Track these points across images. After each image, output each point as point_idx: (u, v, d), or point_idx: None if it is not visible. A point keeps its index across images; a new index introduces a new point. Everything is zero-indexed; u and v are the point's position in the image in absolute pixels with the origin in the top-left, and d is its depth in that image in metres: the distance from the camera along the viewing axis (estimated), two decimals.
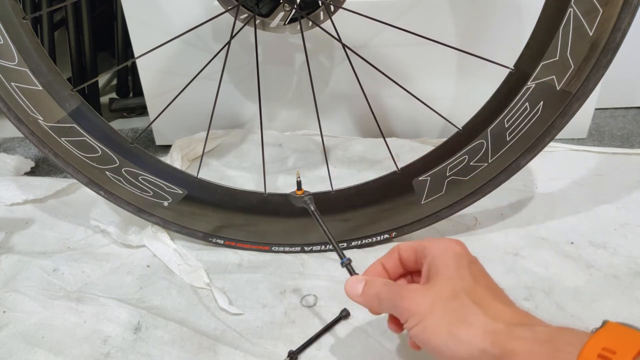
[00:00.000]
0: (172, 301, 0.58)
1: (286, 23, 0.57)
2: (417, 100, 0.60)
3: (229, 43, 0.58)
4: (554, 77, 0.52)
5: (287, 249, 0.64)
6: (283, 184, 0.77)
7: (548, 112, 0.54)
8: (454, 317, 0.37)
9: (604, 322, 0.33)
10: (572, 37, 0.50)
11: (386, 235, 0.63)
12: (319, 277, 0.60)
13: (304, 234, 0.64)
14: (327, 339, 0.52)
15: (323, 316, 0.55)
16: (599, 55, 0.50)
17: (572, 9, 0.49)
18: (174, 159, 0.79)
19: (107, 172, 0.61)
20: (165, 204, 0.63)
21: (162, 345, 0.52)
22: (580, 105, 0.53)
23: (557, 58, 0.51)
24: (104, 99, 1.06)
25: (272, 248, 0.64)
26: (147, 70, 0.85)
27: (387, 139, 0.64)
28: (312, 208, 0.54)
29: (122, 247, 0.66)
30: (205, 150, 0.76)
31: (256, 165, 0.81)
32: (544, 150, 0.56)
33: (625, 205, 0.68)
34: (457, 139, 0.58)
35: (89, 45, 1.00)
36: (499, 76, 0.56)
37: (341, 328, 0.53)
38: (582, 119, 0.85)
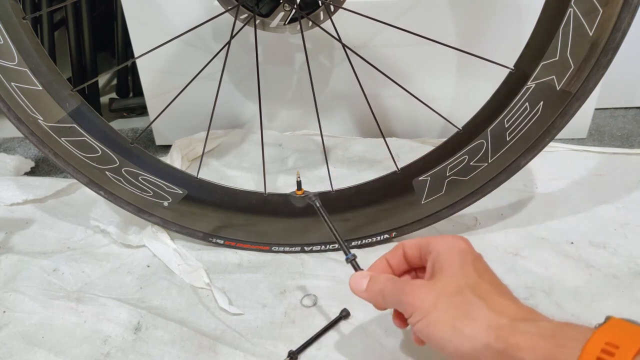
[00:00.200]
0: (172, 301, 0.58)
1: (286, 23, 0.57)
2: (417, 100, 0.60)
3: (229, 43, 0.58)
4: (554, 77, 0.52)
5: (287, 249, 0.64)
6: (283, 184, 0.77)
7: (548, 112, 0.54)
8: (458, 312, 0.37)
9: (607, 318, 0.33)
10: (572, 37, 0.50)
11: (386, 235, 0.63)
12: (319, 277, 0.60)
13: (304, 234, 0.64)
14: (327, 339, 0.52)
15: (323, 316, 0.55)
16: (599, 55, 0.50)
17: (572, 9, 0.49)
18: (174, 159, 0.79)
19: (107, 172, 0.61)
20: (165, 204, 0.63)
21: (162, 345, 0.52)
22: (580, 105, 0.53)
23: (557, 58, 0.51)
24: (104, 99, 1.06)
25: (272, 248, 0.64)
26: (147, 70, 0.85)
27: (387, 139, 0.64)
28: (318, 204, 0.54)
29: (122, 247, 0.66)
30: (205, 150, 0.76)
31: (256, 165, 0.81)
32: (544, 150, 0.56)
33: (625, 205, 0.68)
34: (457, 139, 0.58)
35: (89, 45, 1.00)
36: (499, 76, 0.56)
37: (341, 328, 0.53)
38: (582, 119, 0.85)
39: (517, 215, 0.67)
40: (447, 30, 0.78)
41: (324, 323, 0.53)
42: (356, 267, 0.48)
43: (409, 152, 0.81)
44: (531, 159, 0.56)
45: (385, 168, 0.71)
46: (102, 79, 1.17)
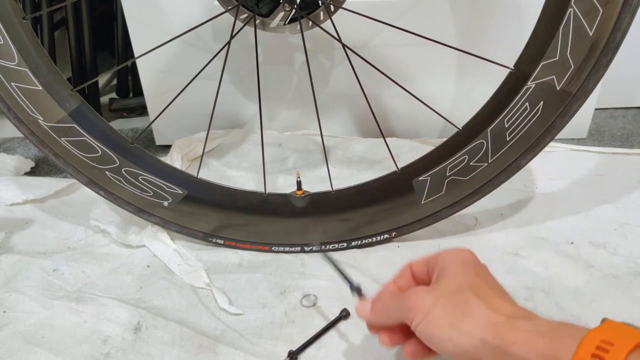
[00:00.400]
0: (172, 301, 0.58)
1: (286, 23, 0.57)
2: (417, 100, 0.60)
3: (229, 43, 0.58)
4: (554, 77, 0.52)
5: (287, 249, 0.64)
6: (283, 184, 0.77)
7: (548, 112, 0.54)
8: (457, 311, 0.38)
9: (603, 320, 0.34)
10: (572, 37, 0.50)
11: (386, 235, 0.63)
12: (319, 277, 0.60)
13: (304, 234, 0.64)
14: (327, 339, 0.52)
15: (323, 316, 0.55)
16: (599, 55, 0.50)
17: (572, 9, 0.49)
18: (174, 159, 0.79)
19: (107, 172, 0.61)
20: (165, 204, 0.63)
21: (162, 345, 0.52)
22: (580, 105, 0.53)
23: (557, 58, 0.51)
24: (104, 99, 1.06)
25: (272, 248, 0.64)
26: (147, 70, 0.85)
27: (387, 139, 0.64)
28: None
29: (122, 247, 0.66)
30: (205, 150, 0.76)
31: (256, 165, 0.81)
32: (544, 150, 0.56)
33: (625, 205, 0.68)
34: (457, 139, 0.58)
35: (89, 45, 1.00)
36: (499, 76, 0.56)
37: (341, 328, 0.53)
38: (582, 119, 0.85)
39: (517, 215, 0.67)
40: (447, 30, 0.78)
41: (324, 323, 0.53)
42: (360, 296, 0.47)
43: (409, 152, 0.81)
44: (531, 159, 0.56)
45: (385, 168, 0.71)
46: (102, 79, 1.17)
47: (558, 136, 0.55)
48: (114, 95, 1.07)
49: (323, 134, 0.63)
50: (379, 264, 0.61)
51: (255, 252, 0.64)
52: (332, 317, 0.54)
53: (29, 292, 0.58)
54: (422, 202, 0.61)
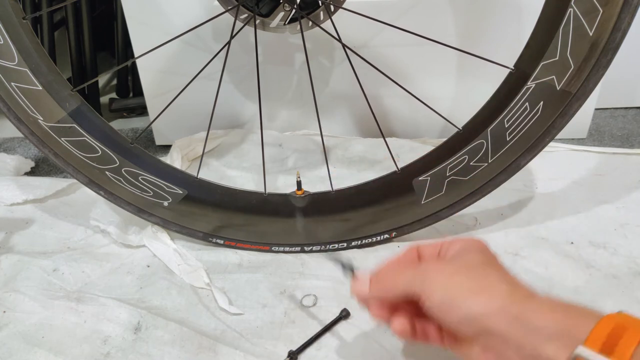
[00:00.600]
0: (172, 301, 0.58)
1: (286, 23, 0.57)
2: (417, 100, 0.60)
3: (229, 43, 0.58)
4: (554, 77, 0.52)
5: (287, 249, 0.64)
6: (283, 184, 0.77)
7: (548, 112, 0.54)
8: (477, 281, 0.38)
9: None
10: (572, 37, 0.50)
11: (386, 235, 0.63)
12: (319, 277, 0.60)
13: (304, 234, 0.64)
14: (327, 339, 0.52)
15: (323, 316, 0.55)
16: (599, 55, 0.50)
17: (572, 9, 0.49)
18: (174, 159, 0.79)
19: (107, 172, 0.61)
20: (165, 204, 0.63)
21: (162, 345, 0.52)
22: (580, 105, 0.53)
23: (557, 58, 0.51)
24: (104, 99, 1.06)
25: (272, 248, 0.64)
26: (147, 70, 0.85)
27: (387, 139, 0.64)
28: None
29: (122, 247, 0.66)
30: (205, 150, 0.76)
31: (256, 165, 0.81)
32: (544, 150, 0.56)
33: (625, 205, 0.68)
34: (457, 139, 0.58)
35: (89, 45, 1.00)
36: (499, 76, 0.56)
37: (341, 328, 0.53)
38: (582, 119, 0.85)
39: (517, 215, 0.67)
40: (447, 30, 0.78)
41: (324, 323, 0.53)
42: (354, 274, 0.46)
43: (409, 152, 0.81)
44: (531, 159, 0.56)
45: (385, 168, 0.71)
46: (102, 79, 1.17)
47: (558, 136, 0.55)
48: (114, 95, 1.07)
49: (323, 134, 0.63)
50: (379, 264, 0.61)
51: (255, 252, 0.64)
52: (332, 317, 0.54)
53: (29, 292, 0.58)
54: (422, 202, 0.61)
